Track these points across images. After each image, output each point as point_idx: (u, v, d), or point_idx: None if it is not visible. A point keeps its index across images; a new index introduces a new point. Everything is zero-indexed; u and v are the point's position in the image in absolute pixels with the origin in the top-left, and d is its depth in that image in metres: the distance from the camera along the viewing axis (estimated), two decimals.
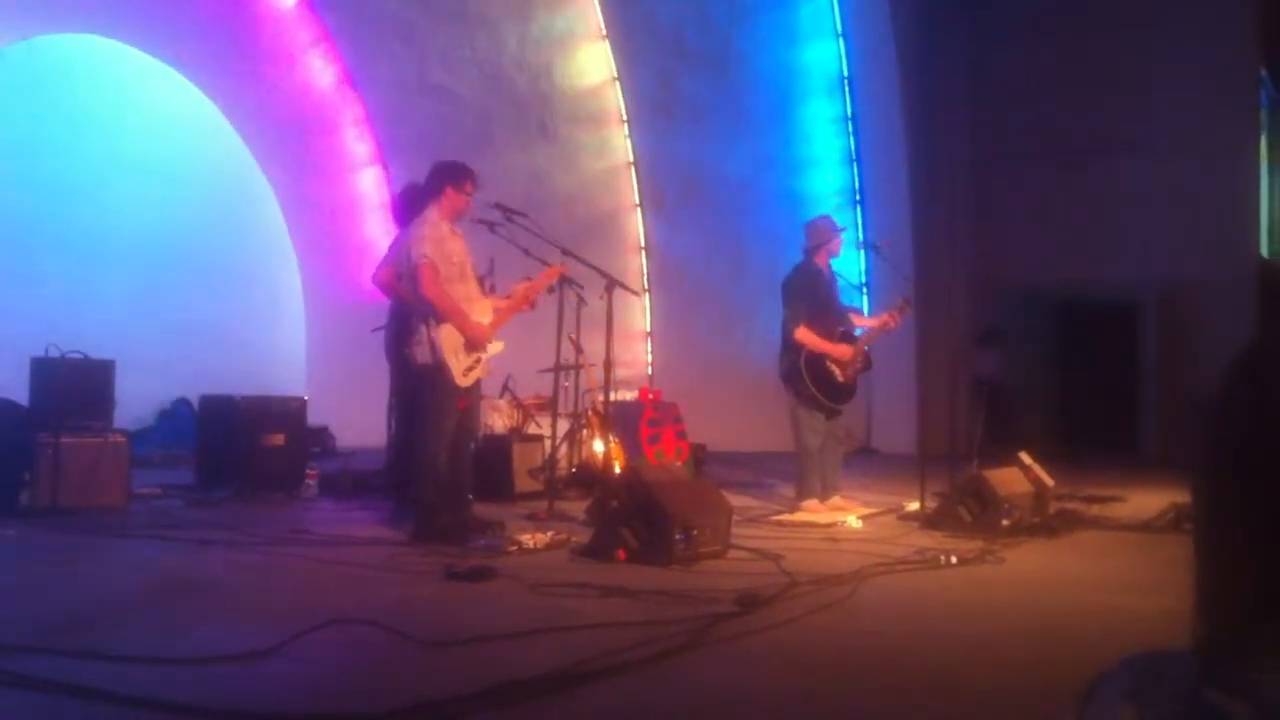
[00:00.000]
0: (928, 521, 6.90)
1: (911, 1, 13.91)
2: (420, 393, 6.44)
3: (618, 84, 14.55)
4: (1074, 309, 13.99)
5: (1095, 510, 7.72)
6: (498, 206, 6.96)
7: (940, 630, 4.26)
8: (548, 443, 8.62)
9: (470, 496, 6.70)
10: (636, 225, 14.92)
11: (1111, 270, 13.58)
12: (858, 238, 13.25)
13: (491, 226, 7.00)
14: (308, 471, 8.51)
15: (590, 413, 8.97)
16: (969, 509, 6.66)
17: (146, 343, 10.95)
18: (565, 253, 7.21)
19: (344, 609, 4.12)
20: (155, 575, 5.14)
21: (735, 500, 6.73)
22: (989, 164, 14.31)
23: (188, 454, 9.34)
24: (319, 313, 14.45)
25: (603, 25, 14.31)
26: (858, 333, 7.87)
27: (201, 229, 13.05)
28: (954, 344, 11.60)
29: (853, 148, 14.28)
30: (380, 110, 14.15)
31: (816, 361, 7.49)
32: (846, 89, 14.21)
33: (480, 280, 7.00)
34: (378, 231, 13.44)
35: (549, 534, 6.08)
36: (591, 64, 14.53)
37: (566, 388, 8.77)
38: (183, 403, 12.03)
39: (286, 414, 8.57)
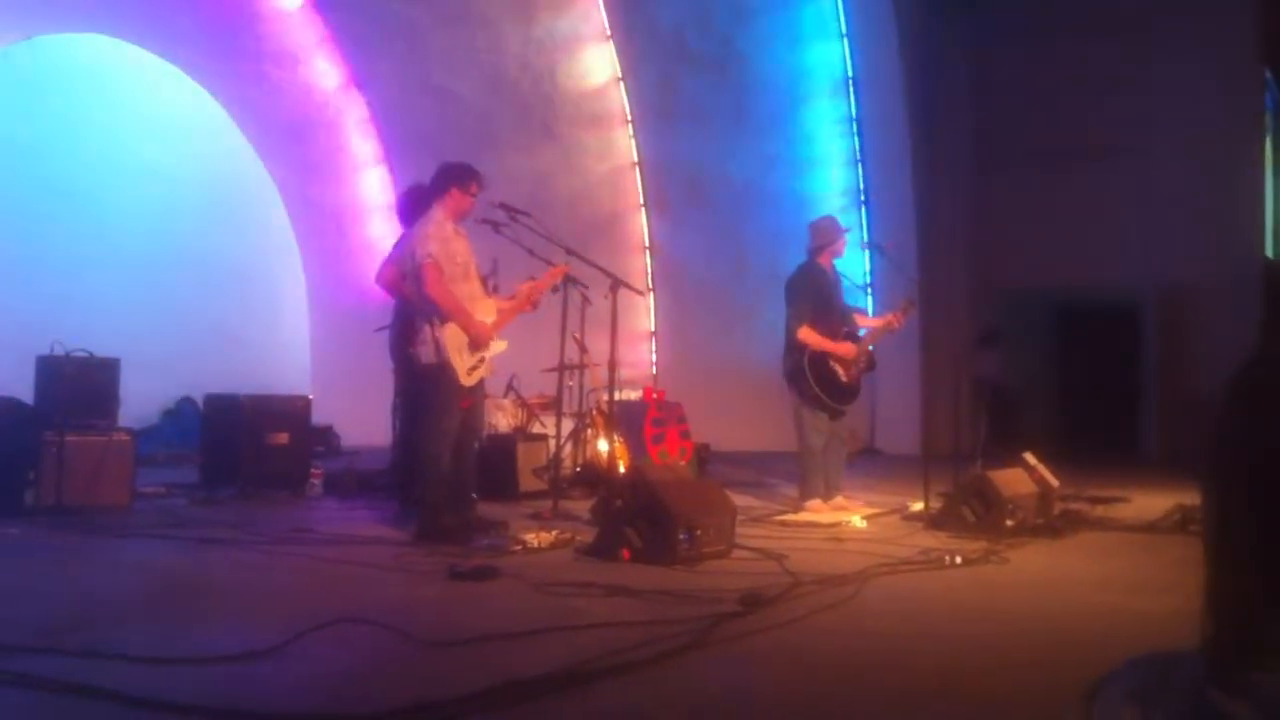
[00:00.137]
0: (932, 522, 6.90)
1: (915, 3, 13.90)
2: (424, 392, 6.45)
3: (622, 85, 14.55)
4: (1076, 310, 13.98)
5: (1099, 511, 7.71)
6: (502, 206, 6.96)
7: (944, 631, 4.25)
8: (552, 442, 8.62)
9: (474, 496, 6.70)
10: (640, 225, 14.93)
11: (1113, 272, 13.57)
12: (862, 239, 13.25)
13: (496, 226, 7.00)
14: (312, 471, 8.54)
15: (595, 412, 8.97)
16: (973, 509, 6.65)
17: (151, 341, 10.97)
18: (569, 252, 7.20)
19: (347, 608, 4.12)
20: (158, 575, 5.15)
21: (739, 500, 6.73)
22: (992, 165, 14.30)
23: (192, 453, 9.37)
24: (323, 312, 14.48)
25: (607, 27, 14.32)
26: (861, 333, 7.86)
27: (206, 228, 13.08)
28: (957, 345, 11.60)
29: (857, 149, 14.28)
30: (384, 111, 14.17)
31: (820, 361, 7.49)
32: (850, 90, 14.20)
33: (484, 280, 7.00)
34: (382, 231, 13.46)
35: (553, 533, 6.09)
36: (595, 65, 14.54)
37: (571, 387, 8.78)
38: (187, 401, 12.05)
39: (291, 413, 8.58)
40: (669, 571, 5.22)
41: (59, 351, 7.37)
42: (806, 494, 7.59)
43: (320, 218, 14.54)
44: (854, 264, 12.30)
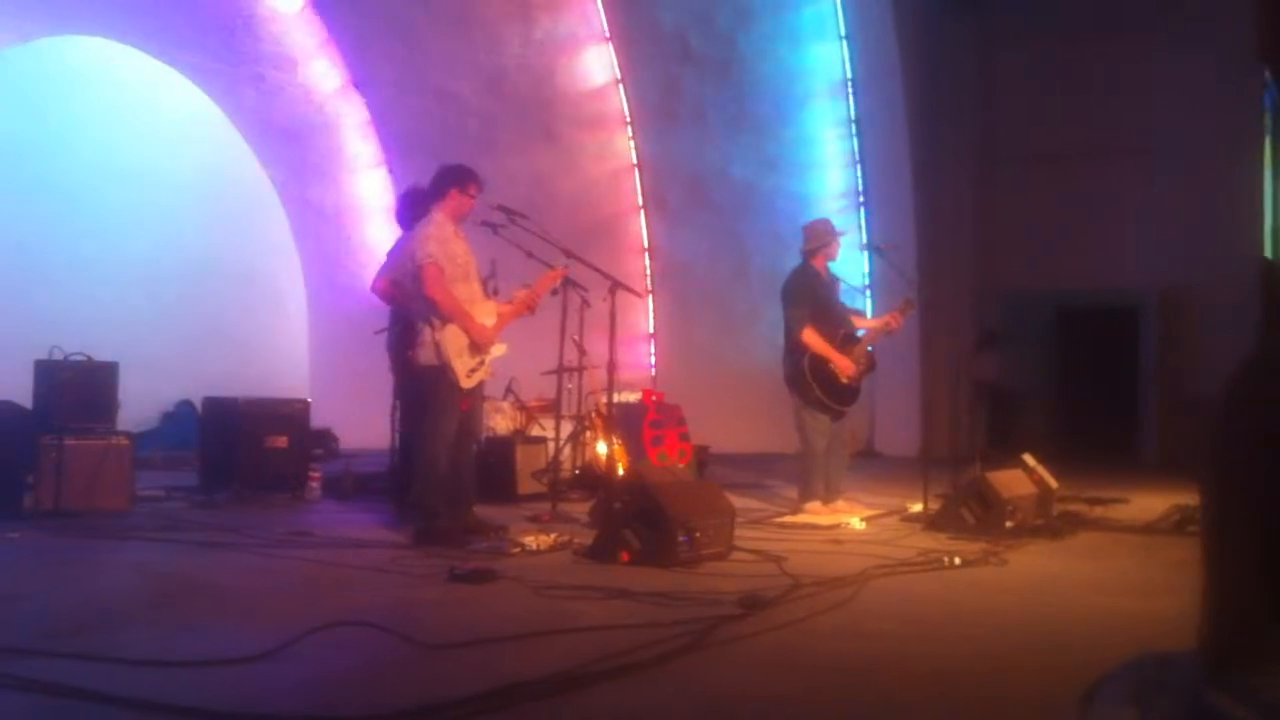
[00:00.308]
0: (931, 523, 6.89)
1: (915, 5, 13.90)
2: (423, 394, 6.44)
3: (621, 87, 14.56)
4: (1075, 311, 13.98)
5: (1098, 512, 7.71)
6: (501, 208, 6.95)
7: (943, 632, 4.25)
8: (551, 445, 8.62)
9: (473, 498, 6.70)
10: (640, 227, 14.93)
11: (1113, 273, 13.57)
12: (862, 240, 13.25)
13: (495, 228, 6.99)
14: (310, 473, 8.52)
15: (593, 415, 8.97)
16: (972, 511, 6.65)
17: (150, 345, 10.97)
18: (568, 254, 7.19)
19: (346, 611, 4.12)
20: (158, 578, 5.14)
21: (738, 502, 6.72)
22: (992, 167, 14.31)
23: (191, 456, 9.35)
24: (322, 315, 14.48)
25: (605, 28, 14.32)
26: (859, 334, 7.86)
27: (205, 231, 13.08)
28: (956, 347, 11.60)
29: (856, 150, 14.27)
30: (383, 113, 14.18)
31: (821, 363, 7.48)
32: (850, 92, 14.20)
33: (484, 282, 7.00)
34: (381, 234, 13.46)
35: (552, 536, 6.09)
36: (595, 67, 14.54)
37: (570, 390, 8.77)
38: (186, 404, 12.05)
39: (289, 416, 8.57)
40: (668, 574, 5.22)
41: (57, 355, 7.37)
42: (806, 496, 7.58)
43: (319, 220, 14.54)
44: (853, 266, 12.33)
